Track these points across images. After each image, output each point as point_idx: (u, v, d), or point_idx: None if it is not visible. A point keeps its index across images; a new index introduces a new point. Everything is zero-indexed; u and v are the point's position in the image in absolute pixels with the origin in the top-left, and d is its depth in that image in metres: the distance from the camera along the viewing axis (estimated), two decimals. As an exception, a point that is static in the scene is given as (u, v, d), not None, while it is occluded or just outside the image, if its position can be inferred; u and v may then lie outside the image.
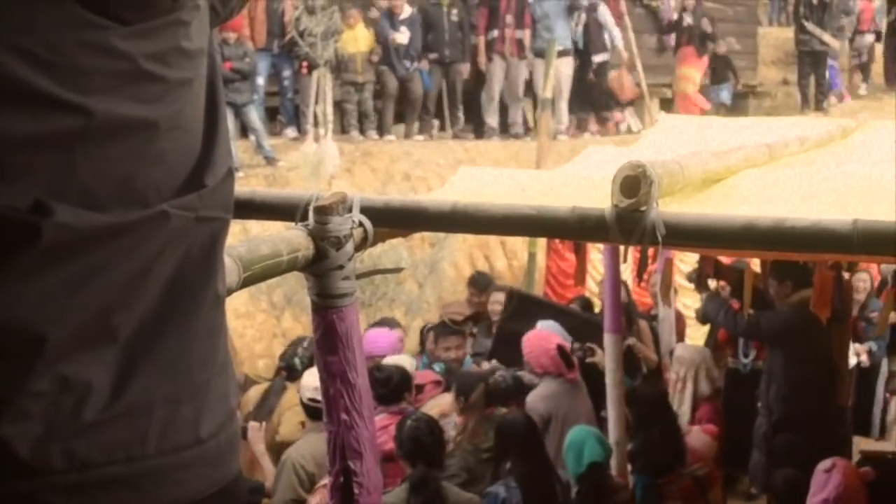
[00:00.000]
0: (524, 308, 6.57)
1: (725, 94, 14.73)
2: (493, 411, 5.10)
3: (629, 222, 2.14)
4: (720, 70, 14.70)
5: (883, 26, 15.89)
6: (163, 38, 1.05)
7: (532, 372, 5.64)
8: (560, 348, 5.54)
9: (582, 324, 6.36)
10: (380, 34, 11.69)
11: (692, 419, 5.96)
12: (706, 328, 7.16)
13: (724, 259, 5.92)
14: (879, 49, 16.15)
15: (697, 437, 5.44)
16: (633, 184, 2.13)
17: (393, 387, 4.91)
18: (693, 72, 14.21)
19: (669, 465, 4.87)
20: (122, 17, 1.01)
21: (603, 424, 5.46)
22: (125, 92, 1.02)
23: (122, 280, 1.03)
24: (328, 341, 2.08)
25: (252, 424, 4.87)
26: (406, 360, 6.01)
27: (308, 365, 5.31)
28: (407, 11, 11.81)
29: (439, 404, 5.40)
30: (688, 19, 14.26)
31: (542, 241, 8.78)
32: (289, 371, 5.87)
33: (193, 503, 1.12)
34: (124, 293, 1.04)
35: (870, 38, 15.90)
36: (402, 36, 11.71)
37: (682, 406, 6.00)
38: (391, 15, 11.76)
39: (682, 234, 2.16)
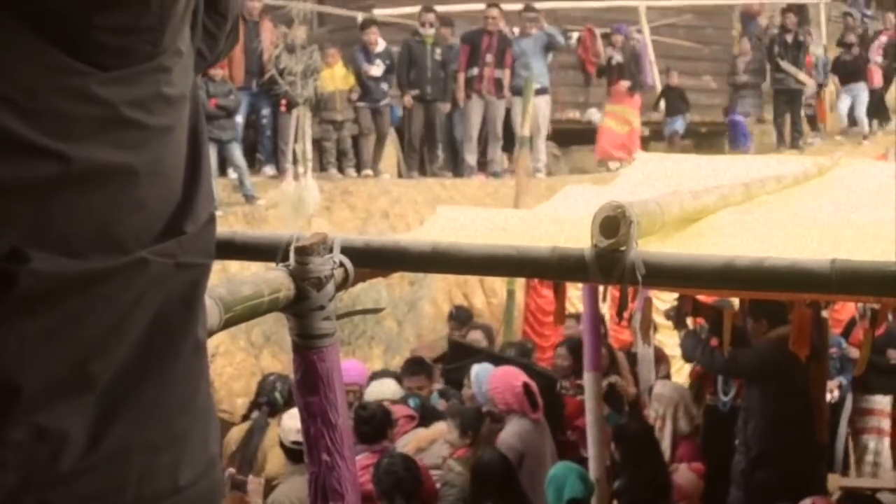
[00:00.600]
0: (463, 358, 6.56)
1: (679, 124, 14.51)
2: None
3: (609, 262, 2.15)
4: (674, 102, 14.53)
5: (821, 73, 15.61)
6: (144, 85, 1.04)
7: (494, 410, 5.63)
8: (526, 386, 5.50)
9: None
10: (355, 67, 11.86)
11: (672, 457, 5.95)
12: (683, 364, 7.17)
13: (706, 298, 5.93)
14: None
15: (684, 474, 5.44)
16: (613, 224, 2.14)
17: (376, 425, 4.94)
18: (627, 111, 13.82)
19: (654, 501, 4.86)
20: (103, 63, 1.00)
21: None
22: (105, 138, 1.00)
23: (100, 328, 1.02)
24: (309, 382, 2.07)
25: (252, 479, 4.89)
26: (390, 385, 6.03)
27: (289, 399, 5.30)
28: (381, 45, 12.04)
29: (415, 439, 5.42)
30: (617, 58, 13.93)
31: (520, 279, 8.78)
32: (270, 406, 5.86)
33: None
34: (102, 341, 1.02)
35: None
36: (377, 69, 11.93)
37: (661, 444, 5.99)
38: (366, 48, 11.95)
39: (662, 274, 2.17)
